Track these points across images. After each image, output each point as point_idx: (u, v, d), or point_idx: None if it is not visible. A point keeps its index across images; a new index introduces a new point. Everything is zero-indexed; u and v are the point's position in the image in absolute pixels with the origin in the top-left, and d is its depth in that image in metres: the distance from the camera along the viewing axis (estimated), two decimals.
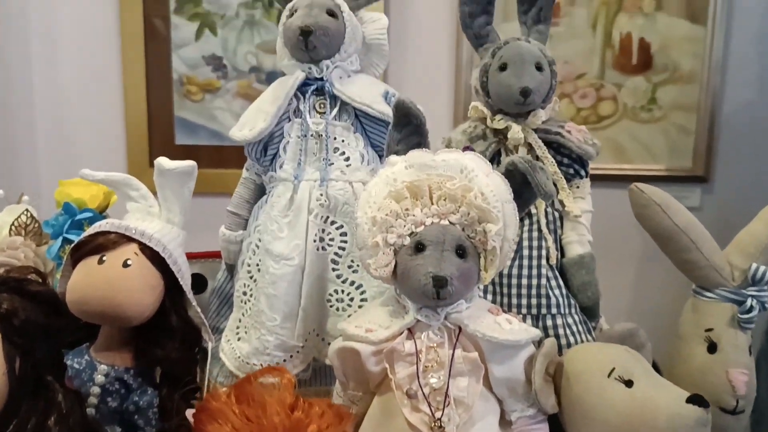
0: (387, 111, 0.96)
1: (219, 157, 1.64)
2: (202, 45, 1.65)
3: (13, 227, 1.05)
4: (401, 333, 0.80)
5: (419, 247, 0.78)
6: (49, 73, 1.65)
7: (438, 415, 0.77)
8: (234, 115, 1.66)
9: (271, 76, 1.63)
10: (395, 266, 0.80)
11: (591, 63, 1.62)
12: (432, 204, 0.79)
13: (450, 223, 0.79)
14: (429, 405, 0.78)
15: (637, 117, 1.63)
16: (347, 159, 0.97)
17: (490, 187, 0.78)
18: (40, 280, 0.75)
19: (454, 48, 1.60)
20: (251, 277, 0.98)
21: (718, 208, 1.59)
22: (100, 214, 1.11)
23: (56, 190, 1.12)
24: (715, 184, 1.62)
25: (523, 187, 0.81)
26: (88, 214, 1.06)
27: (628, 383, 0.78)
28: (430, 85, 1.61)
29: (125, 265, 0.89)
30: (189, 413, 0.73)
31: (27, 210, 1.06)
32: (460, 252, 0.78)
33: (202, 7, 1.62)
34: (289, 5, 0.98)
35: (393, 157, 0.83)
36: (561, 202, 1.00)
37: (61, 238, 1.04)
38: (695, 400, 0.75)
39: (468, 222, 0.78)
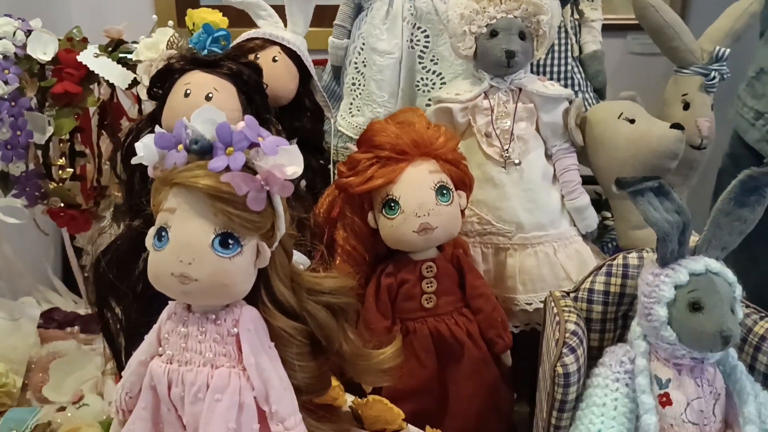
0: None
1: None
2: None
3: (168, 43, 1.37)
4: (480, 95, 1.17)
5: (494, 33, 1.13)
6: None
7: (506, 147, 1.16)
8: None
9: None
10: (476, 49, 1.16)
11: None
12: (501, 3, 1.13)
13: (514, 17, 1.13)
14: (500, 141, 1.16)
15: None
16: None
17: None
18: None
19: None
20: (358, 71, 1.32)
21: None
22: None
23: (187, 17, 1.44)
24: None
25: None
26: (223, 32, 1.39)
27: (632, 121, 1.15)
28: None
29: (274, 60, 1.24)
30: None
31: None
32: (522, 36, 1.13)
33: None
34: None
35: None
36: (580, 12, 1.36)
37: (205, 51, 1.38)
38: (676, 126, 1.14)
39: (526, 15, 1.13)
